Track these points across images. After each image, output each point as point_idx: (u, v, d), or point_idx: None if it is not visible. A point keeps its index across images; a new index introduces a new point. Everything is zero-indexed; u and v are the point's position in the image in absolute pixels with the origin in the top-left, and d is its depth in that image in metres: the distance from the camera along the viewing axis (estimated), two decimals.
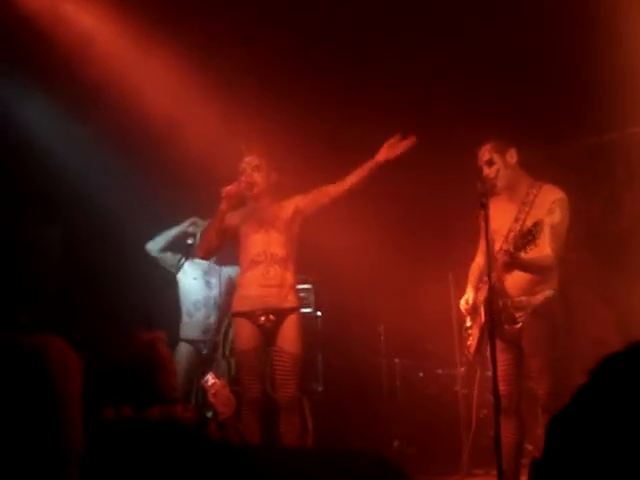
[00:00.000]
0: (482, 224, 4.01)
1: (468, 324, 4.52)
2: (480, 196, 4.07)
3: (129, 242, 5.68)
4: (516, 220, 4.33)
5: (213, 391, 3.55)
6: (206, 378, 3.73)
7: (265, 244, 4.80)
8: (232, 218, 4.89)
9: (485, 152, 4.42)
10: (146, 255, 5.52)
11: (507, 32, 5.00)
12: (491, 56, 5.20)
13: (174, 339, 5.27)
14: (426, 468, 5.24)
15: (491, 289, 4.01)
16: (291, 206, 4.91)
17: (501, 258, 4.20)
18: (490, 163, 4.40)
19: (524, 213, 4.34)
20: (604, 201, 5.70)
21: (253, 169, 4.86)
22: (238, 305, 4.75)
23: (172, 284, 5.53)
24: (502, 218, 4.21)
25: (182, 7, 5.11)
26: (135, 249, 5.62)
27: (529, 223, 4.23)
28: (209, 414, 3.98)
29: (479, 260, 4.57)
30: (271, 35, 5.35)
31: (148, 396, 3.19)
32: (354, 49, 5.49)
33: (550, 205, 4.31)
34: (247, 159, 4.88)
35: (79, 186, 5.56)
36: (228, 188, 4.73)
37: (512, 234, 4.29)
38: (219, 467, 2.94)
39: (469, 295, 4.50)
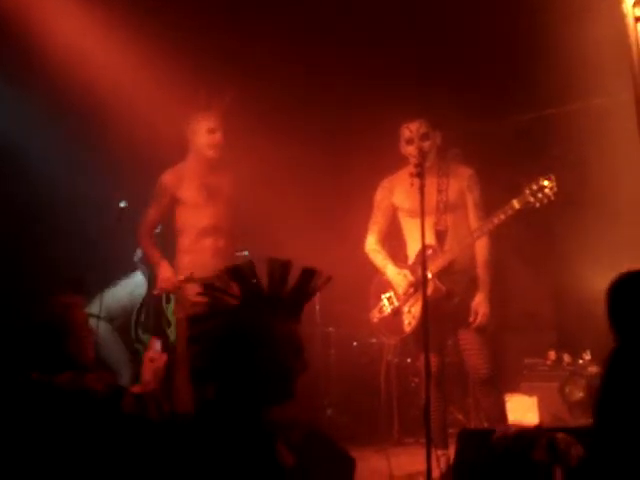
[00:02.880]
0: (418, 194, 4.05)
1: (395, 300, 4.59)
2: (417, 166, 4.14)
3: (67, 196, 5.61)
4: (439, 192, 4.40)
5: (149, 359, 3.50)
6: (158, 344, 3.67)
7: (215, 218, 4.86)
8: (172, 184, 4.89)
9: (422, 126, 4.51)
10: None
11: (444, 6, 4.99)
12: (428, 31, 5.18)
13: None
14: (358, 436, 5.30)
15: (424, 263, 4.06)
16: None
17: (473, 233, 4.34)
18: (426, 137, 4.50)
19: (444, 185, 4.43)
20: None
21: (210, 131, 4.84)
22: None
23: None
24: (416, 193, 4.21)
25: None
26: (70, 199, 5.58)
27: (452, 195, 4.39)
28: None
29: (379, 237, 4.71)
30: None
31: (57, 361, 3.14)
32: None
33: (467, 182, 4.47)
34: (203, 121, 4.85)
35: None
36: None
37: (441, 205, 4.38)
38: (123, 441, 2.91)
39: (404, 271, 4.56)
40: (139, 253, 5.29)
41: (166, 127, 5.20)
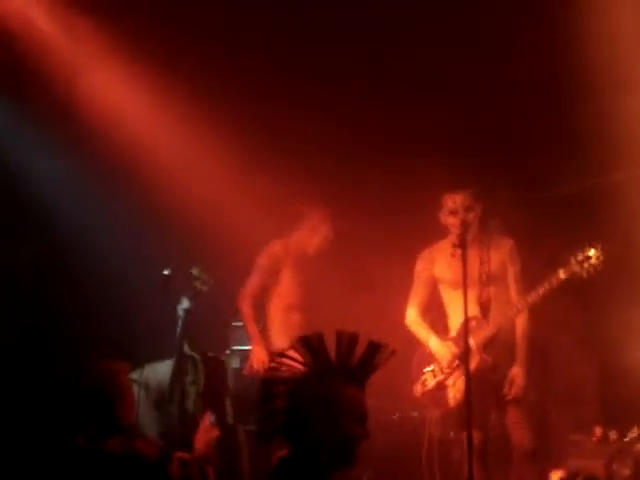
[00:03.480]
0: (460, 266, 4.06)
1: (439, 373, 4.56)
2: (459, 237, 4.15)
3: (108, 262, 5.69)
4: (481, 264, 4.41)
5: (204, 428, 3.54)
6: (211, 417, 3.76)
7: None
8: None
9: (467, 198, 4.54)
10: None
11: (491, 79, 5.07)
12: (475, 101, 5.25)
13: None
14: None
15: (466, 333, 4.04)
16: None
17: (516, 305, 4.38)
18: (470, 209, 4.52)
19: (486, 256, 4.43)
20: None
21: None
22: None
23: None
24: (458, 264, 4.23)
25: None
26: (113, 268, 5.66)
27: (494, 267, 4.38)
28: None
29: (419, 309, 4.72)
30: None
31: (106, 426, 3.17)
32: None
33: (509, 254, 4.47)
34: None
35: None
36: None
37: (484, 276, 4.38)
38: None
39: (448, 343, 4.54)
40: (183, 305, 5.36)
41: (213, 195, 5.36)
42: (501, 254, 4.56)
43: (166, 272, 5.34)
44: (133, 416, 3.34)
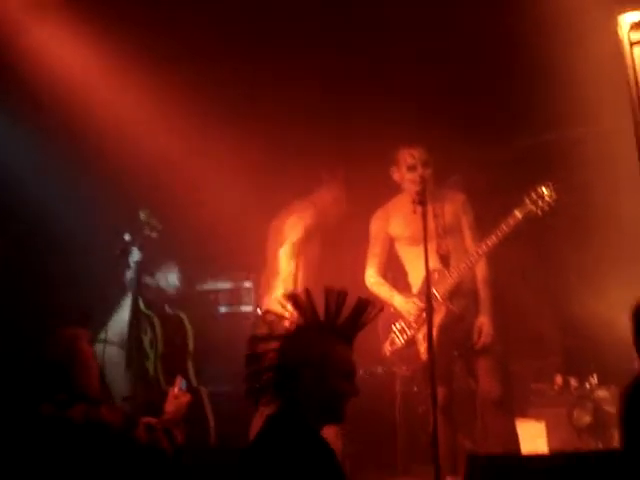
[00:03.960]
0: (418, 221, 4.07)
1: (407, 330, 4.58)
2: (419, 194, 4.15)
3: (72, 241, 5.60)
4: (435, 217, 4.43)
5: (174, 394, 3.50)
6: (183, 383, 3.66)
7: None
8: None
9: (423, 153, 4.53)
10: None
11: (442, 32, 5.03)
12: (426, 57, 5.21)
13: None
14: (366, 465, 5.27)
15: (429, 287, 4.06)
16: None
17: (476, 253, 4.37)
18: (428, 164, 4.53)
19: (440, 210, 4.46)
20: None
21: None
22: None
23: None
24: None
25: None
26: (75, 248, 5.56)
27: (448, 219, 4.42)
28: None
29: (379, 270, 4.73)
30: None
31: (69, 393, 3.16)
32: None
33: (462, 206, 4.51)
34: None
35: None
36: None
37: (440, 229, 4.41)
38: (139, 470, 2.93)
39: (412, 299, 4.55)
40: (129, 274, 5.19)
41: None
42: (454, 207, 4.59)
43: (126, 237, 5.26)
44: (96, 383, 3.31)
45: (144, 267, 5.11)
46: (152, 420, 3.27)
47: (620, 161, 4.59)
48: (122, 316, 5.22)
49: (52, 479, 2.92)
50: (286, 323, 2.43)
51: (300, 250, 5.19)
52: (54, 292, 5.55)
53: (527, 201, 4.26)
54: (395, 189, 4.80)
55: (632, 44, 3.99)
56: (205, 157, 5.55)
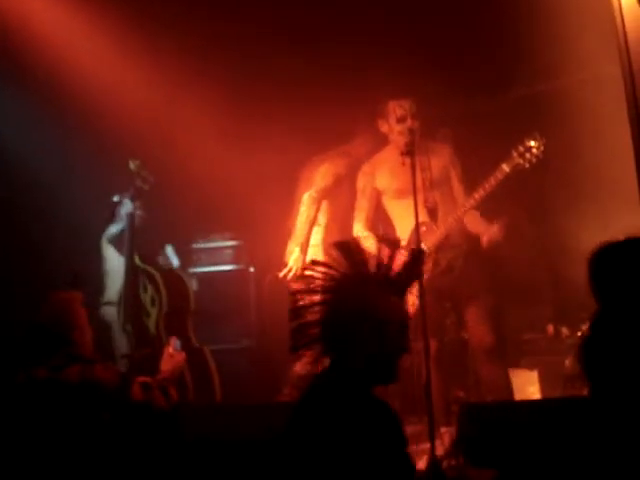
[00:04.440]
0: (405, 174, 4.07)
1: None
2: (407, 145, 4.15)
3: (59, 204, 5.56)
4: (422, 170, 4.42)
5: (169, 353, 3.52)
6: (177, 342, 3.65)
7: None
8: None
9: (412, 105, 4.52)
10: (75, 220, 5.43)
11: None
12: (412, 7, 5.16)
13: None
14: None
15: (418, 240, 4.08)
16: None
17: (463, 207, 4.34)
18: (416, 117, 4.51)
19: (426, 163, 4.45)
20: None
21: None
22: None
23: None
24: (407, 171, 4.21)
25: None
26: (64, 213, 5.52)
27: (435, 172, 4.42)
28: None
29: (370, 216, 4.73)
30: None
31: (64, 355, 3.18)
32: None
33: (450, 159, 4.50)
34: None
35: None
36: None
37: (427, 182, 4.40)
38: (135, 428, 2.94)
39: (400, 251, 4.56)
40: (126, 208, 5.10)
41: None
42: (442, 160, 4.58)
43: (115, 199, 5.23)
44: (91, 344, 3.34)
45: (137, 221, 5.03)
46: (148, 379, 3.30)
47: (608, 110, 4.58)
48: (118, 274, 5.22)
49: (49, 440, 2.94)
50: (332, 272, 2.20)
51: (326, 197, 5.11)
52: (42, 258, 5.53)
53: (515, 154, 4.25)
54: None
55: None
56: (190, 115, 5.50)
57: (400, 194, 4.47)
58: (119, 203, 5.16)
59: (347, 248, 2.25)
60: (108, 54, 5.35)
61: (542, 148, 4.19)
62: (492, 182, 4.27)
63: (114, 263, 5.35)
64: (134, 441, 2.95)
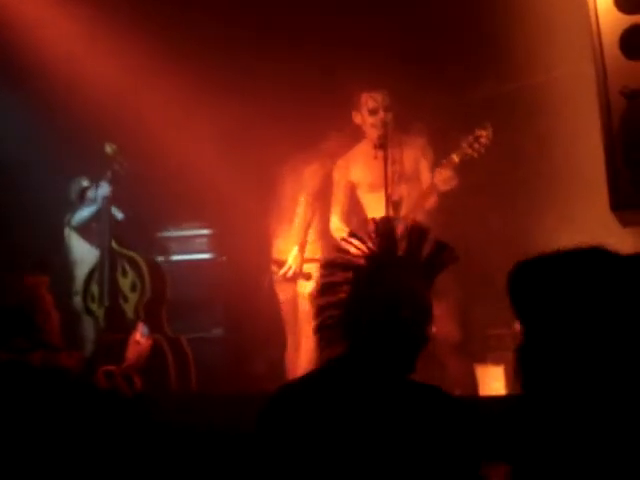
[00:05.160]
0: (377, 167, 4.08)
1: None
2: (380, 138, 4.15)
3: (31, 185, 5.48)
4: (393, 163, 4.43)
5: (135, 341, 3.47)
6: (145, 328, 3.60)
7: None
8: None
9: (385, 97, 4.50)
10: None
11: None
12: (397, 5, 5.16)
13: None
14: None
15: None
16: None
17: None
18: (389, 109, 4.51)
19: (398, 155, 4.46)
20: (503, 149, 5.79)
21: None
22: None
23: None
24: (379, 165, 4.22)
25: None
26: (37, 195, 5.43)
27: (407, 165, 4.41)
28: None
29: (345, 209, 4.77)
30: None
31: (29, 340, 3.15)
32: None
33: (422, 150, 4.51)
34: None
35: None
36: None
37: (395, 176, 4.41)
38: (96, 417, 2.91)
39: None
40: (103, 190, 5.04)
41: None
42: (414, 152, 4.58)
43: (84, 183, 5.18)
44: (57, 331, 3.30)
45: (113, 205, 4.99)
46: (111, 367, 3.27)
47: (580, 108, 4.60)
48: (86, 262, 5.18)
49: (8, 426, 2.91)
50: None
51: (319, 199, 5.18)
52: (7, 231, 5.44)
53: (464, 144, 4.26)
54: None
55: None
56: (165, 103, 5.45)
57: (371, 188, 4.48)
58: (88, 187, 5.11)
59: (380, 226, 2.14)
60: (83, 38, 5.28)
61: (491, 137, 4.18)
62: (442, 172, 4.27)
63: (81, 251, 5.31)
64: (97, 428, 2.92)
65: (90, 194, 5.38)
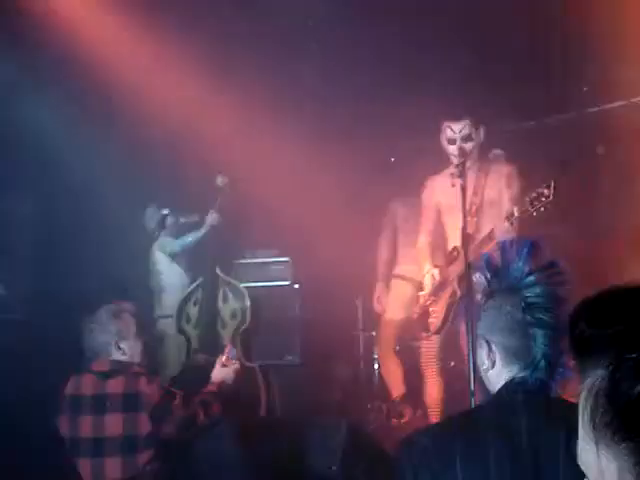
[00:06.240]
0: (456, 194, 4.04)
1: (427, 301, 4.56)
2: (458, 166, 4.11)
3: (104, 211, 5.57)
4: (474, 194, 4.36)
5: (221, 363, 3.47)
6: (232, 351, 3.62)
7: None
8: None
9: (465, 127, 4.46)
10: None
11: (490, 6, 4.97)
12: (473, 30, 5.15)
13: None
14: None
15: (467, 264, 4.00)
16: None
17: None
18: (469, 138, 4.45)
19: (481, 185, 4.40)
20: (585, 175, 5.68)
21: None
22: None
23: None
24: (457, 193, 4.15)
25: None
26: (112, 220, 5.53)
27: (489, 193, 4.37)
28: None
29: (428, 238, 4.72)
30: None
31: (110, 363, 3.22)
32: None
33: (506, 179, 4.42)
34: None
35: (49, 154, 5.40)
36: None
37: (474, 207, 4.34)
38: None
39: (433, 270, 4.52)
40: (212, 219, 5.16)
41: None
42: (498, 181, 4.50)
43: (165, 212, 5.30)
44: (140, 354, 3.36)
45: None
46: (191, 394, 3.29)
47: None
48: (177, 286, 5.26)
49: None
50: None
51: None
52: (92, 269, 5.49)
53: (526, 200, 4.16)
54: None
55: None
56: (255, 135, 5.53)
57: (451, 212, 4.43)
58: (167, 215, 5.23)
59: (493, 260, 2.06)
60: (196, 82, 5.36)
61: (551, 197, 4.05)
62: (505, 224, 4.17)
63: (172, 275, 5.40)
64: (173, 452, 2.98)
65: (168, 221, 5.47)
